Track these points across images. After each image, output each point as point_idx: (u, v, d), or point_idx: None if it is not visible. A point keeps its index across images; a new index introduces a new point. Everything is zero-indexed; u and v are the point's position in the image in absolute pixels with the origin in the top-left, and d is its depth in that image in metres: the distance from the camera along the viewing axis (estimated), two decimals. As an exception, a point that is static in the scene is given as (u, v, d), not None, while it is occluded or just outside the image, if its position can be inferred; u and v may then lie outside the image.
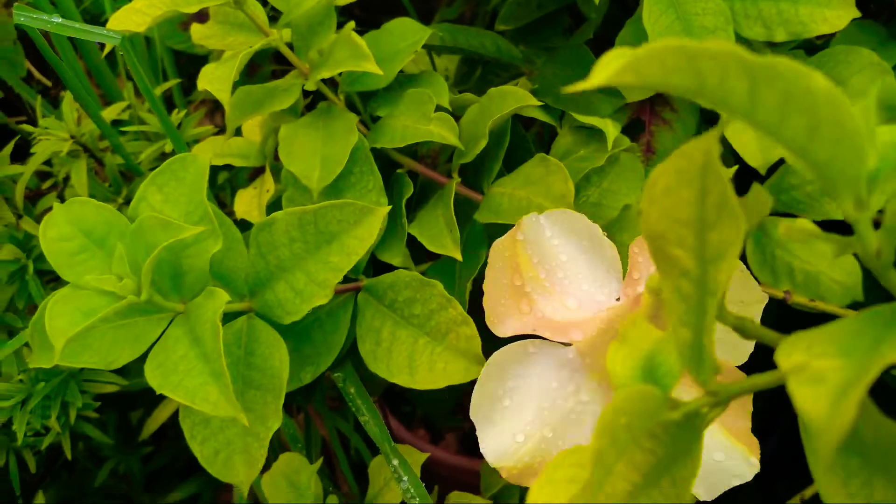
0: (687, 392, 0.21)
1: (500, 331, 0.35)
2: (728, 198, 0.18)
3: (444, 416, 0.90)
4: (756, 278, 0.49)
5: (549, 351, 0.34)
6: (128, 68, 0.67)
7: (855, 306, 0.47)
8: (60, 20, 0.43)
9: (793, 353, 0.16)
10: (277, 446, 0.63)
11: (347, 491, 0.55)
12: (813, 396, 0.15)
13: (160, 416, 0.67)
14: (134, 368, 0.60)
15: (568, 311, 0.34)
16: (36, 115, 0.67)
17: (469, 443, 0.84)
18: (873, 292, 0.52)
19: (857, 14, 0.46)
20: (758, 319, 0.33)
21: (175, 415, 0.67)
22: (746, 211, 0.18)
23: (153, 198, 0.40)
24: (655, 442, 0.19)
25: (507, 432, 0.33)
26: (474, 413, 0.33)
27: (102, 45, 0.66)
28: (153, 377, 0.36)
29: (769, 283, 0.49)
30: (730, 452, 0.31)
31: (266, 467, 0.57)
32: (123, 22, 0.44)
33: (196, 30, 0.50)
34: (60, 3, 0.64)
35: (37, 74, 0.92)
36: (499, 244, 0.36)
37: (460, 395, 0.83)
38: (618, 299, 0.35)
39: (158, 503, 0.80)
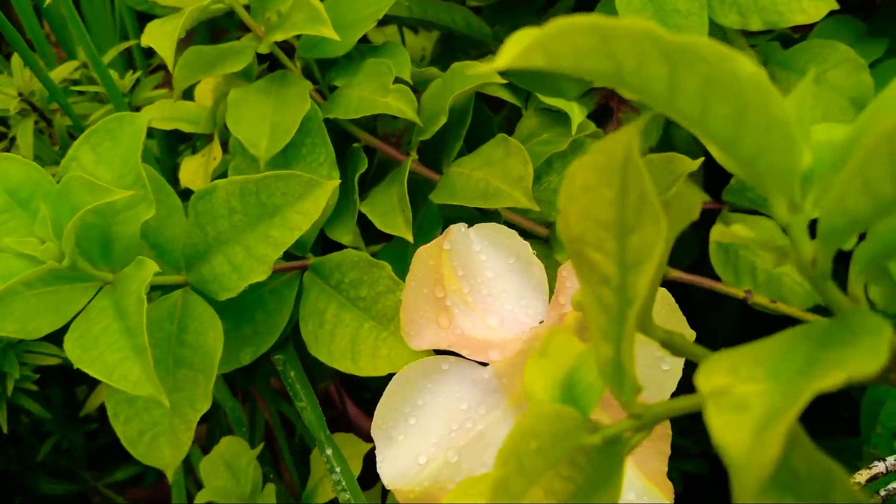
0: (606, 418, 0.19)
1: (415, 344, 0.33)
2: (648, 197, 0.16)
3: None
4: (718, 277, 0.48)
5: (464, 369, 0.32)
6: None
7: (818, 310, 0.46)
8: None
9: (714, 374, 0.14)
10: (220, 432, 0.61)
11: (289, 478, 0.53)
12: (733, 426, 0.13)
13: (101, 393, 0.65)
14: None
15: (488, 330, 0.32)
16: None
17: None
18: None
19: (836, 6, 0.45)
20: (681, 360, 0.31)
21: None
22: (672, 212, 0.16)
23: (86, 157, 0.38)
24: (574, 469, 0.17)
25: (408, 453, 0.31)
26: (375, 428, 0.31)
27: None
28: (72, 350, 0.34)
29: (731, 283, 0.47)
30: (642, 494, 0.29)
31: (207, 450, 0.55)
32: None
33: (149, -14, 0.47)
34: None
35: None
36: (423, 251, 0.34)
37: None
38: (542, 322, 0.33)
39: (103, 481, 0.77)
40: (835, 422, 0.57)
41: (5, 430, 0.58)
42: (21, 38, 0.54)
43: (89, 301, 0.36)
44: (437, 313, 0.33)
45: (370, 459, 0.48)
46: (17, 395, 0.62)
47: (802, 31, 0.51)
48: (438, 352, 0.33)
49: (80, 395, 0.75)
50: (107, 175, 0.37)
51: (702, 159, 0.45)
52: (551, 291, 0.34)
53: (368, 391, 0.88)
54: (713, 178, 0.51)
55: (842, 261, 0.17)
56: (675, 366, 0.31)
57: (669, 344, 0.19)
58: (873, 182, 0.13)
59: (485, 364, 0.31)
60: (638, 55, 0.14)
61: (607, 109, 0.49)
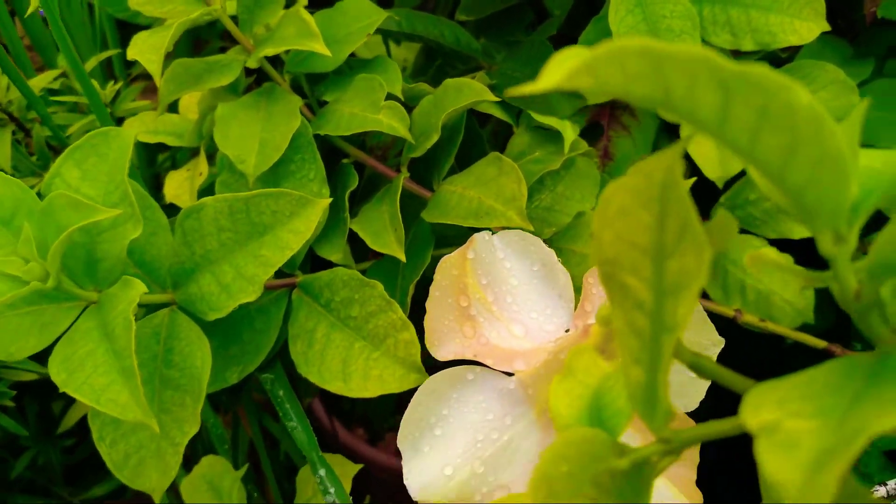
0: (632, 437, 0.19)
1: (440, 354, 0.33)
2: (691, 223, 0.16)
3: (384, 416, 0.87)
4: (706, 294, 0.48)
5: (490, 379, 0.31)
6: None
7: (805, 328, 0.46)
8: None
9: (762, 407, 0.14)
10: (205, 446, 0.59)
11: (272, 498, 0.52)
12: (787, 465, 0.12)
13: (81, 408, 0.63)
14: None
15: (514, 339, 0.31)
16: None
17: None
18: (823, 315, 0.51)
19: (827, 27, 0.45)
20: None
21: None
22: (711, 238, 0.16)
23: (70, 174, 0.37)
24: (600, 491, 0.17)
25: (435, 464, 0.30)
26: (402, 440, 0.31)
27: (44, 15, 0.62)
28: (57, 373, 0.33)
29: (720, 300, 0.47)
30: (670, 500, 0.29)
31: (188, 468, 0.54)
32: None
33: (134, -4, 0.46)
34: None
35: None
36: (447, 261, 0.34)
37: (402, 395, 0.80)
38: (567, 330, 0.32)
39: (79, 497, 0.76)
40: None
41: (-22, 446, 0.56)
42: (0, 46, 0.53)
43: (74, 321, 0.35)
44: (462, 323, 0.32)
45: (358, 480, 0.48)
46: (-8, 412, 0.61)
47: (790, 51, 0.52)
48: (463, 361, 0.32)
49: (56, 409, 0.74)
50: (92, 192, 0.36)
51: (693, 179, 0.46)
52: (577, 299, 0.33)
53: (347, 402, 0.87)
54: (702, 194, 0.51)
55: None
56: None
57: (698, 367, 0.18)
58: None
59: (510, 374, 0.31)
60: (690, 81, 0.14)
61: (598, 127, 0.49)
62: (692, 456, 0.29)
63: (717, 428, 0.17)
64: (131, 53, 0.39)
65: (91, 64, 0.61)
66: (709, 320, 0.31)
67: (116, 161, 0.36)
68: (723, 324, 0.50)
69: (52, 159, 0.59)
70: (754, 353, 0.48)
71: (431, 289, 0.34)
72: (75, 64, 0.47)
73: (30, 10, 0.40)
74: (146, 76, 0.75)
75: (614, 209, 0.17)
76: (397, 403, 0.83)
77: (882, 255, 0.15)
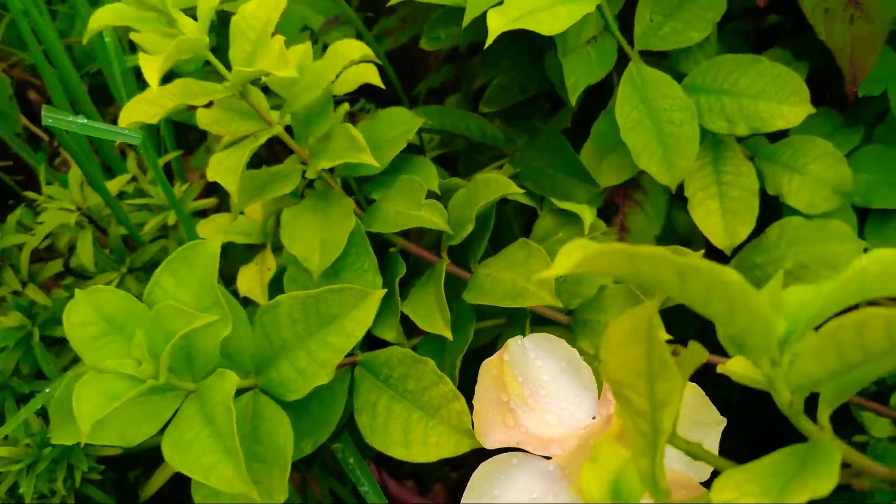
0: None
1: (488, 443, 0.39)
2: (667, 359, 0.22)
3: (433, 468, 0.92)
4: (725, 353, 0.53)
5: (532, 463, 0.37)
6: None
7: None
8: (85, 121, 0.46)
9: (725, 489, 0.20)
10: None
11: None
12: None
13: (160, 478, 0.69)
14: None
15: (548, 427, 0.37)
16: (29, 169, 0.70)
17: (456, 494, 0.87)
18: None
19: (812, 111, 0.51)
20: (716, 441, 0.36)
21: (174, 477, 0.69)
22: (683, 363, 0.22)
23: (167, 282, 0.43)
24: None
25: None
26: None
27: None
28: (171, 455, 0.39)
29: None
30: None
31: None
32: (136, 114, 0.47)
33: (202, 115, 0.53)
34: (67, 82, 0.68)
35: (33, 129, 0.95)
36: (487, 364, 0.40)
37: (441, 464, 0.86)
38: (594, 417, 0.38)
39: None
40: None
41: (73, 519, 0.62)
42: (81, 153, 0.60)
43: (177, 409, 0.42)
44: (504, 415, 0.38)
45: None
46: (83, 485, 0.66)
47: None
48: (508, 448, 0.38)
49: (131, 477, 0.80)
50: (186, 297, 0.43)
51: (702, 251, 0.51)
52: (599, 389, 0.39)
53: (395, 459, 0.92)
54: (714, 257, 0.57)
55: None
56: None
57: (691, 453, 0.24)
58: (824, 360, 0.19)
59: (548, 458, 0.37)
60: (655, 268, 0.20)
61: (613, 205, 0.55)
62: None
63: (702, 500, 0.23)
64: (210, 175, 0.46)
65: (159, 164, 0.68)
66: (709, 403, 0.37)
67: (206, 269, 0.43)
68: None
69: (127, 254, 0.67)
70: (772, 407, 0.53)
71: (477, 388, 0.40)
72: (156, 169, 0.54)
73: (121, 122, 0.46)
74: (198, 168, 0.82)
75: (615, 343, 0.23)
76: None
77: (798, 380, 0.20)
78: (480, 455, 0.40)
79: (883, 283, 0.20)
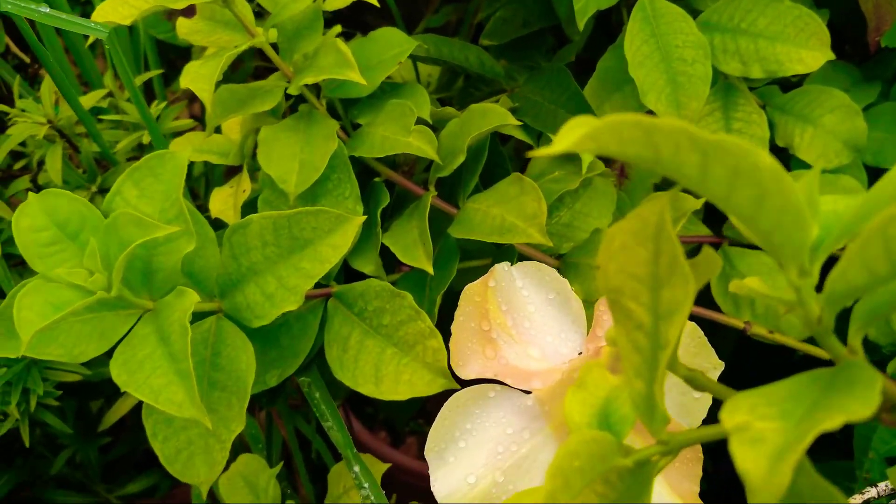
0: (638, 441, 0.22)
1: (464, 373, 0.36)
2: (679, 260, 0.19)
3: (406, 420, 0.90)
4: (719, 307, 0.51)
5: (509, 397, 0.34)
6: (109, 54, 0.67)
7: (812, 340, 0.49)
8: (48, 10, 0.43)
9: (736, 412, 0.17)
10: (238, 445, 0.63)
11: (305, 495, 0.56)
12: (752, 457, 0.15)
13: (121, 408, 0.67)
14: (96, 359, 0.59)
15: (531, 361, 0.34)
16: (12, 94, 0.67)
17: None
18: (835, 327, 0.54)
19: (832, 56, 0.48)
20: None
21: (135, 407, 0.67)
22: (697, 272, 0.19)
23: (129, 193, 0.40)
24: (608, 487, 0.20)
25: (459, 473, 0.34)
26: (429, 451, 0.34)
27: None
28: (118, 374, 0.36)
29: (731, 313, 0.50)
30: None
31: (225, 467, 0.57)
32: (109, 13, 0.44)
33: (182, 24, 0.50)
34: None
35: (14, 49, 0.91)
36: (470, 289, 0.37)
37: (423, 399, 0.84)
38: (580, 353, 0.35)
39: (115, 493, 0.79)
40: (830, 445, 0.60)
41: (28, 445, 0.60)
42: (56, 65, 0.57)
43: (131, 328, 0.39)
44: (484, 345, 0.36)
45: (382, 481, 0.51)
46: (38, 410, 0.64)
47: (800, 76, 0.54)
48: (485, 380, 0.35)
49: (93, 408, 0.77)
50: (149, 209, 0.40)
51: (703, 199, 0.48)
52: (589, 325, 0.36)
53: (370, 406, 0.90)
54: (714, 211, 0.54)
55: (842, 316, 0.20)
56: (706, 395, 0.34)
57: (692, 381, 0.21)
58: (870, 261, 0.16)
59: (528, 392, 0.34)
60: (675, 146, 0.17)
61: (614, 148, 0.52)
62: (694, 468, 0.32)
63: (707, 432, 0.20)
64: (184, 82, 0.43)
65: (137, 83, 0.65)
66: (708, 345, 0.34)
67: (171, 181, 0.40)
68: (734, 336, 0.53)
69: (99, 174, 0.63)
70: (764, 366, 0.51)
71: (456, 313, 0.37)
72: (130, 84, 0.50)
73: (89, 42, 0.43)
74: (183, 92, 0.79)
75: (617, 245, 0.20)
76: (417, 409, 0.86)
77: (835, 287, 0.18)
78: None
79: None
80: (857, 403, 0.16)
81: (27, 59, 0.91)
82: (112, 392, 0.73)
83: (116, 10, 0.44)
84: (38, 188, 0.66)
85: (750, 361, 0.54)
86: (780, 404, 0.17)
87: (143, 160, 0.41)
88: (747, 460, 0.15)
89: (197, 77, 0.43)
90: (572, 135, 0.17)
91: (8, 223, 0.62)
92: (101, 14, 0.44)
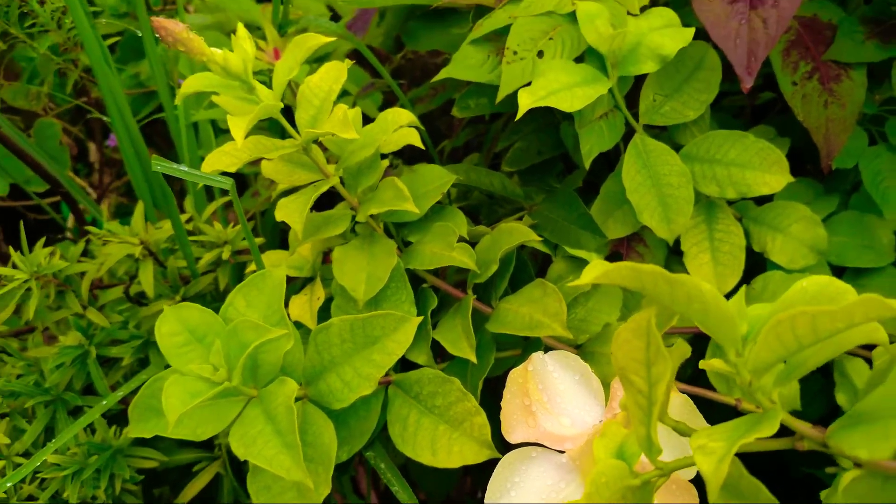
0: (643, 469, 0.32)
1: (512, 438, 0.46)
2: (661, 348, 0.29)
3: (442, 496, 0.98)
4: (713, 387, 0.60)
5: (548, 456, 0.44)
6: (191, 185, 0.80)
7: (799, 416, 0.58)
8: (187, 169, 0.55)
9: (699, 438, 0.27)
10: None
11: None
12: (706, 461, 0.26)
13: (189, 492, 0.75)
14: (169, 447, 0.68)
15: (563, 427, 0.44)
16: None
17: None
18: (815, 405, 0.64)
19: (791, 179, 0.59)
20: None
21: (198, 494, 0.75)
22: (673, 354, 0.29)
23: (239, 303, 0.51)
24: (624, 500, 0.30)
25: None
26: (489, 498, 0.44)
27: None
28: (237, 447, 0.46)
29: (724, 392, 0.59)
30: None
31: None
32: (217, 163, 0.55)
33: (266, 166, 0.62)
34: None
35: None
36: (514, 373, 0.47)
37: (455, 482, 0.92)
38: (601, 421, 0.45)
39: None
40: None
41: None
42: (150, 197, 0.69)
43: (241, 411, 0.49)
44: (526, 416, 0.46)
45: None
46: (122, 494, 0.72)
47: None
48: (528, 443, 0.45)
49: (156, 493, 0.85)
50: (254, 316, 0.51)
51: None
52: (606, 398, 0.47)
53: (411, 485, 0.98)
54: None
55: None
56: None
57: (678, 429, 0.32)
58: (770, 347, 0.27)
59: (562, 452, 0.44)
60: (654, 281, 0.27)
61: (617, 255, 0.63)
62: (691, 493, 0.42)
63: (686, 461, 0.30)
64: (279, 216, 0.54)
65: (210, 210, 0.77)
66: (697, 411, 0.44)
67: (273, 293, 0.51)
68: (728, 413, 0.63)
69: (181, 286, 0.74)
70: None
71: (504, 392, 0.47)
72: (241, 215, 0.62)
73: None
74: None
75: (622, 339, 0.30)
76: (447, 494, 0.94)
77: (755, 363, 0.28)
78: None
79: (818, 301, 0.28)
80: (764, 429, 0.26)
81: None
82: (176, 479, 0.81)
83: (222, 161, 0.55)
84: (127, 297, 0.77)
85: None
86: (723, 434, 0.27)
87: (249, 279, 0.52)
88: (703, 464, 0.26)
89: (290, 211, 0.54)
90: (591, 274, 0.27)
91: (99, 328, 0.73)
92: (209, 164, 0.56)
